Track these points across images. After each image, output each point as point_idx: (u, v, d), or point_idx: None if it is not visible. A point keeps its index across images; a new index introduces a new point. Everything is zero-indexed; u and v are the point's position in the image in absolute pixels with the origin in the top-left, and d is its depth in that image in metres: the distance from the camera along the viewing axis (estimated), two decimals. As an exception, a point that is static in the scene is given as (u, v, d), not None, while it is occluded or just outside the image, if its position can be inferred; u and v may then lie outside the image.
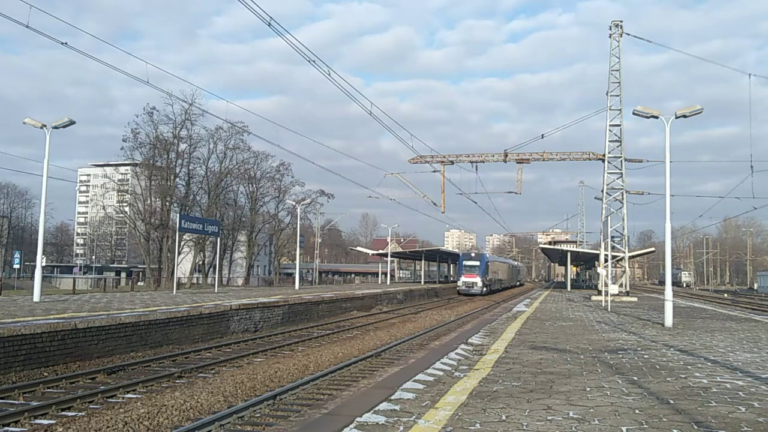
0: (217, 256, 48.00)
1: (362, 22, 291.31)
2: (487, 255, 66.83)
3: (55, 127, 22.09)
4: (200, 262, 59.99)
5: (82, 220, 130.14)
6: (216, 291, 35.22)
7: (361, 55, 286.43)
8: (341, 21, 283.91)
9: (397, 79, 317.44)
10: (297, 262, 47.80)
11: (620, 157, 37.24)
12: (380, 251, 75.66)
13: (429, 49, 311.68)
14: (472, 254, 58.96)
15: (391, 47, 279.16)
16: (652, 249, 67.98)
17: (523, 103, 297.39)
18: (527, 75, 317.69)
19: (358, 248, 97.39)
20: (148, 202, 53.06)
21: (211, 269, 57.33)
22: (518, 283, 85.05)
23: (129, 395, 11.37)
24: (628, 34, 36.89)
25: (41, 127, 21.98)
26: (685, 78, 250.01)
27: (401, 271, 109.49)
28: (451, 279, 76.73)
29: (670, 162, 18.84)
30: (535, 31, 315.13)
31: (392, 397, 7.62)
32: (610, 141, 37.30)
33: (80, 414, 9.87)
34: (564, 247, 70.33)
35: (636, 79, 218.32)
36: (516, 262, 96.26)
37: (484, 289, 54.80)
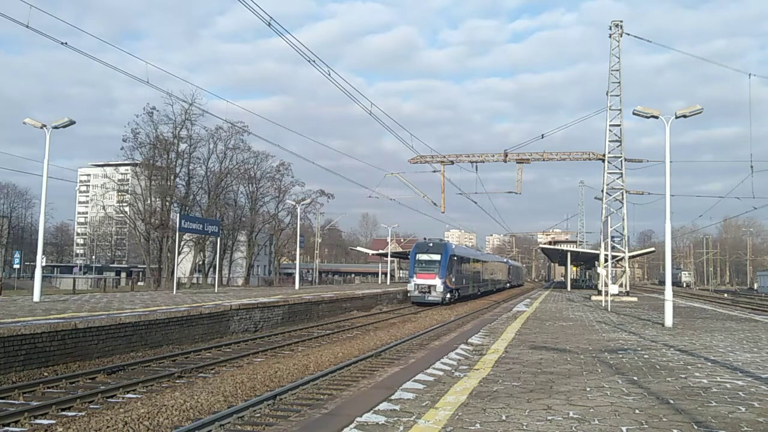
0: (217, 256, 48.02)
1: (365, 21, 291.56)
2: (453, 244, 46.52)
3: (55, 127, 22.12)
4: (200, 262, 60.01)
5: (82, 220, 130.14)
6: (216, 291, 35.21)
7: (364, 55, 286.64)
8: (344, 20, 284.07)
9: (399, 79, 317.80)
10: (297, 262, 47.82)
11: (620, 157, 37.25)
12: (380, 251, 75.68)
13: (432, 49, 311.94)
14: (430, 244, 40.49)
15: (394, 47, 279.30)
16: (652, 249, 67.99)
17: (525, 102, 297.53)
18: (529, 75, 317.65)
19: (358, 248, 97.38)
20: (148, 202, 53.09)
21: (211, 269, 57.34)
22: (507, 285, 73.88)
23: (129, 395, 11.37)
24: (628, 34, 36.94)
25: (41, 127, 22.01)
26: (688, 78, 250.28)
27: (401, 271, 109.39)
28: None
29: (671, 162, 18.87)
30: (537, 30, 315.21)
31: (392, 397, 7.62)
32: (610, 141, 37.31)
33: (80, 414, 9.87)
34: (564, 247, 70.34)
35: (639, 79, 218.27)
36: (506, 259, 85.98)
37: (448, 295, 38.08)
